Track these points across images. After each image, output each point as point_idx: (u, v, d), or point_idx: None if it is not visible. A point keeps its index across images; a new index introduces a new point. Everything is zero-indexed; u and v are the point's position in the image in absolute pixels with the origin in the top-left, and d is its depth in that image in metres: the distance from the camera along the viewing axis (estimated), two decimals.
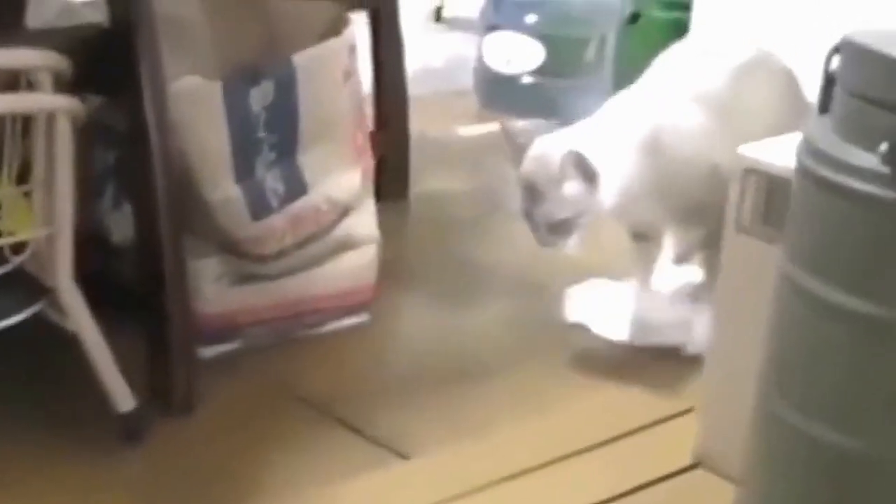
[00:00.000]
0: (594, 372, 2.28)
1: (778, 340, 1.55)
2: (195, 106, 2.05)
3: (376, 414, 2.10)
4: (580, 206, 2.11)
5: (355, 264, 2.34)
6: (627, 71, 3.97)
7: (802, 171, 1.46)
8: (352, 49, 2.25)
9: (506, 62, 3.84)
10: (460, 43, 4.33)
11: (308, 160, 2.22)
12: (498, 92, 3.90)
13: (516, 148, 2.18)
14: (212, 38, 2.28)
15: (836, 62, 1.47)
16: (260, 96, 2.12)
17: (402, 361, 2.33)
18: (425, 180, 3.10)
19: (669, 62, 2.30)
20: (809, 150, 1.46)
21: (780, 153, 1.83)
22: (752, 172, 1.84)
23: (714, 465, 1.95)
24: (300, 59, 2.14)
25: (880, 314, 1.37)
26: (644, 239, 2.30)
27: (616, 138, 2.18)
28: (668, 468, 1.97)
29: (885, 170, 1.33)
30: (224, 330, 2.20)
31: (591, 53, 3.85)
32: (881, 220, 1.35)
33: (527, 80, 3.84)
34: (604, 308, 2.28)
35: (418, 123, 3.06)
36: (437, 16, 4.68)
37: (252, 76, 2.11)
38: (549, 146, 2.15)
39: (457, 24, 4.62)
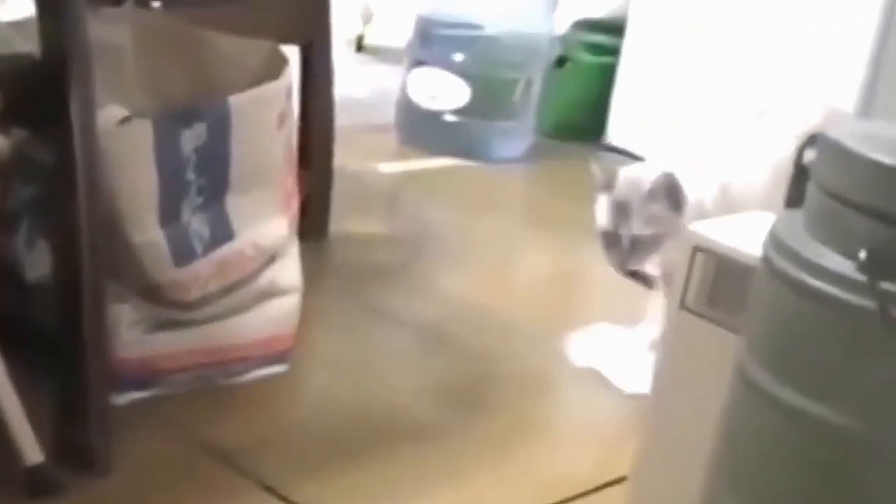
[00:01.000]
0: (518, 434, 2.22)
1: (729, 433, 1.51)
2: (124, 144, 1.96)
3: (294, 473, 2.01)
4: (665, 226, 2.26)
5: (278, 313, 2.26)
6: (552, 115, 3.97)
7: (769, 266, 1.42)
8: (288, 92, 2.17)
9: (430, 99, 3.78)
10: (382, 74, 4.27)
11: (236, 205, 2.14)
12: (420, 128, 3.86)
13: (608, 172, 2.33)
14: (141, 69, 2.20)
15: (808, 156, 1.42)
16: (192, 137, 2.03)
17: (321, 418, 2.23)
18: (345, 220, 3.03)
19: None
20: (777, 245, 1.41)
21: (732, 233, 1.79)
22: (702, 251, 1.79)
23: None
24: (236, 101, 2.06)
25: (844, 423, 1.33)
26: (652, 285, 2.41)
27: (702, 174, 2.31)
28: None
29: (862, 278, 1.28)
30: (140, 377, 2.11)
31: (517, 95, 3.81)
32: (854, 328, 1.30)
33: (450, 118, 3.79)
34: (617, 355, 2.41)
35: (337, 157, 2.99)
36: (359, 45, 4.61)
37: (185, 116, 2.02)
38: (643, 168, 2.35)
39: (378, 54, 4.56)
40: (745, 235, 1.79)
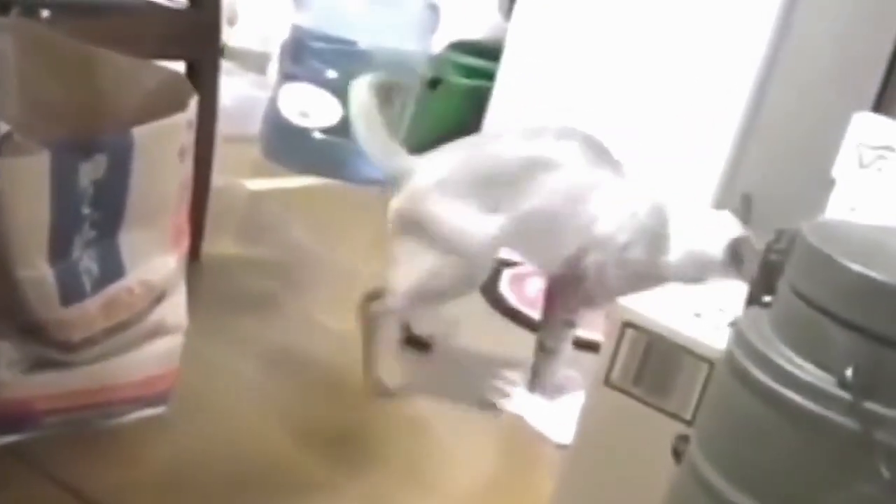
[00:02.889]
0: (409, 485, 2.15)
1: None
2: (18, 175, 1.82)
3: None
4: None
5: (162, 352, 2.14)
6: (423, 137, 3.89)
7: (733, 366, 1.36)
8: (190, 124, 2.05)
9: (301, 115, 3.68)
10: (246, 82, 4.15)
11: (128, 241, 2.01)
12: (286, 144, 3.75)
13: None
14: (25, 86, 2.07)
15: (776, 254, 1.37)
16: (91, 170, 1.90)
17: (196, 464, 2.13)
18: (215, 241, 2.92)
19: None
20: (743, 344, 1.35)
21: (663, 309, 1.75)
22: (631, 327, 1.74)
23: None
24: (140, 132, 1.93)
25: None
26: None
27: None
28: None
29: (844, 395, 1.23)
30: (15, 419, 1.97)
31: (390, 116, 3.71)
32: (831, 447, 1.25)
33: (320, 136, 3.69)
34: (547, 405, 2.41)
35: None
36: (222, 50, 4.46)
37: (84, 147, 1.88)
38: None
39: (242, 59, 4.42)
40: (677, 312, 1.75)
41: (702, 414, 1.45)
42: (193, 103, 2.04)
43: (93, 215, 1.95)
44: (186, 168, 2.07)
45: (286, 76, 3.76)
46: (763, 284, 1.39)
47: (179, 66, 2.60)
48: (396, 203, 2.34)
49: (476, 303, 3.04)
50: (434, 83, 3.94)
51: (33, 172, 1.85)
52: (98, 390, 2.06)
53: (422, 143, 3.89)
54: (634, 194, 2.35)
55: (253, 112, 3.89)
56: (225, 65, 4.33)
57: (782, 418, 1.29)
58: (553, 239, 2.35)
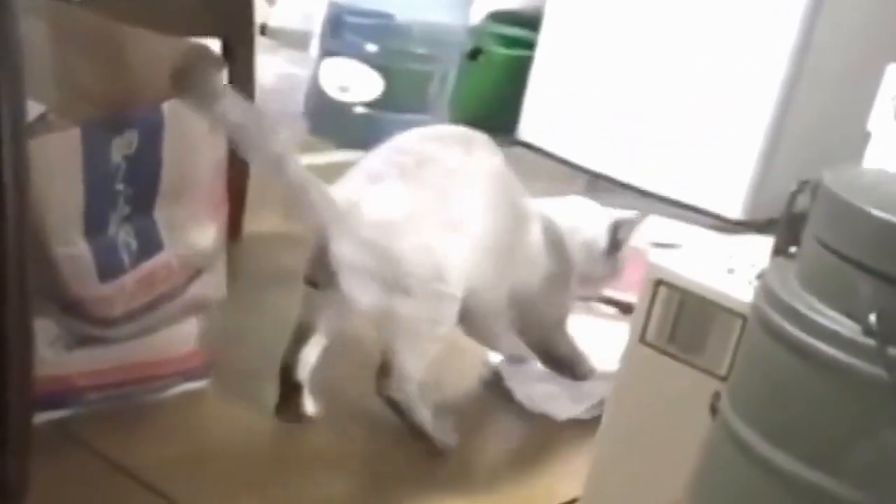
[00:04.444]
0: (456, 462, 2.14)
1: (709, 487, 1.44)
2: (51, 153, 1.83)
3: (212, 496, 1.94)
4: None
5: (202, 326, 2.15)
6: (464, 109, 3.90)
7: (761, 319, 1.35)
8: None
9: (341, 90, 3.68)
10: (288, 60, 4.15)
11: (165, 215, 2.03)
12: (330, 119, 3.76)
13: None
14: (58, 66, 2.08)
15: (803, 201, 1.36)
16: (122, 145, 1.92)
17: (240, 438, 2.13)
18: (257, 218, 2.92)
19: None
20: (770, 297, 1.34)
21: (695, 266, 1.73)
22: (663, 284, 1.73)
23: None
24: (170, 107, 1.94)
25: (843, 494, 1.26)
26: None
27: None
28: None
29: (869, 341, 1.21)
30: (58, 396, 1.99)
31: (431, 88, 3.72)
32: (859, 395, 1.24)
33: (361, 110, 3.69)
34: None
35: None
36: (262, 30, 4.48)
37: (116, 123, 1.90)
38: None
39: (283, 38, 4.42)
40: (710, 268, 1.73)
41: (732, 368, 1.44)
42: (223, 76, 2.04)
43: (127, 191, 1.96)
44: (219, 143, 2.08)
45: (326, 52, 3.77)
46: (787, 235, 1.38)
47: (214, 45, 2.61)
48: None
49: None
50: (474, 54, 3.93)
51: (65, 149, 1.87)
52: (138, 365, 2.08)
53: (464, 115, 3.90)
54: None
55: (295, 89, 3.89)
56: (266, 43, 4.36)
57: (809, 368, 1.28)
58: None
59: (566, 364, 2.35)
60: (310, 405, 2.13)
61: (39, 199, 1.84)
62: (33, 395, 1.82)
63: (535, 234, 2.20)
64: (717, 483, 1.41)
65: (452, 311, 2.04)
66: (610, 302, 2.80)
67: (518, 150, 3.95)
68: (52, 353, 1.97)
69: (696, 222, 3.51)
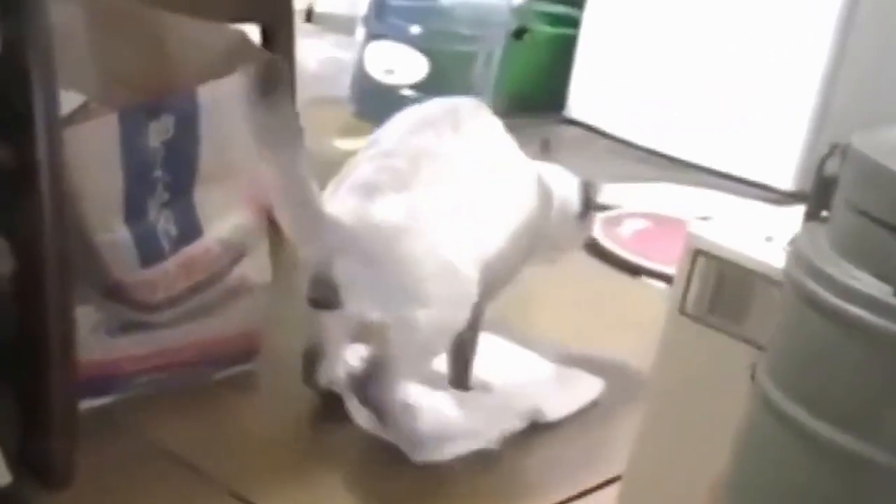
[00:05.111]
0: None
1: (748, 458, 1.43)
2: (89, 139, 1.85)
3: (261, 479, 1.94)
4: None
5: (246, 310, 2.16)
6: (510, 88, 3.88)
7: (794, 285, 1.33)
8: None
9: (387, 73, 3.68)
10: (334, 45, 4.16)
11: (204, 200, 2.03)
12: (376, 102, 3.75)
13: None
14: (96, 54, 2.09)
15: (833, 165, 1.34)
16: (159, 131, 1.93)
17: (286, 421, 2.14)
18: None
19: None
20: (802, 263, 1.32)
21: (733, 235, 1.72)
22: (702, 254, 1.71)
23: None
24: (206, 92, 1.95)
25: (880, 459, 1.25)
26: None
27: None
28: None
29: None
30: (102, 382, 2.00)
31: (476, 69, 3.71)
32: (891, 356, 1.22)
33: (407, 93, 3.69)
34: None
35: None
36: (308, 16, 4.49)
37: (152, 109, 1.91)
38: None
39: (329, 23, 4.43)
40: (748, 237, 1.72)
41: (771, 339, 1.42)
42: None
43: (166, 176, 1.97)
44: None
45: (370, 35, 3.77)
46: (819, 200, 1.36)
47: (254, 31, 2.61)
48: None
49: None
50: (519, 33, 3.91)
51: (103, 136, 1.88)
52: (183, 350, 2.09)
53: (511, 95, 3.89)
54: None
55: (341, 73, 3.90)
56: (311, 28, 4.37)
57: (842, 333, 1.26)
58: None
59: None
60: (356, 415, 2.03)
61: (78, 186, 1.86)
62: (77, 382, 1.84)
63: (533, 194, 2.13)
64: (755, 453, 1.40)
65: (467, 311, 1.96)
66: (654, 275, 2.79)
67: (567, 128, 3.93)
68: (97, 340, 1.98)
69: (748, 195, 3.49)
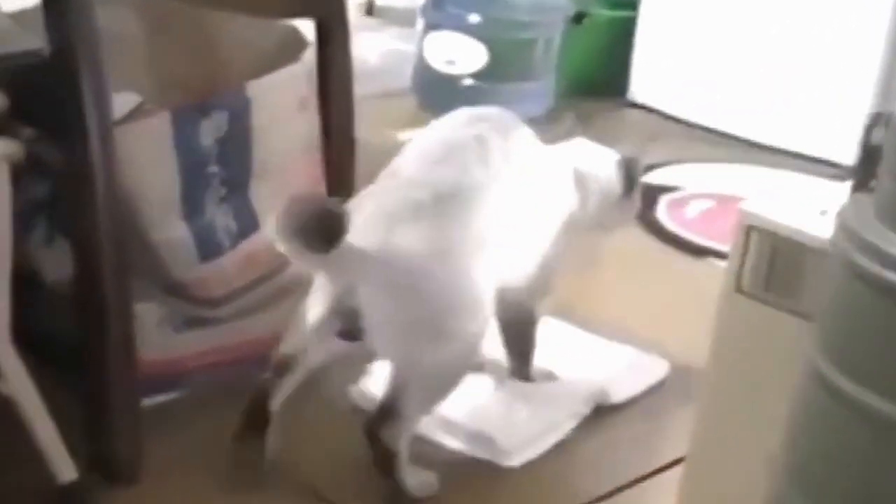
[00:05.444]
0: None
1: (800, 434, 1.41)
2: (142, 139, 1.87)
3: (330, 475, 1.96)
4: None
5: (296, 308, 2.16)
6: (573, 73, 3.87)
7: (840, 257, 1.32)
8: (309, 75, 2.08)
9: (447, 63, 3.68)
10: (395, 38, 4.16)
11: (261, 194, 2.06)
12: (438, 93, 3.75)
13: None
14: (151, 56, 2.11)
15: (878, 135, 1.32)
16: (212, 128, 1.95)
17: (347, 416, 2.11)
18: None
19: None
20: (849, 234, 1.31)
21: (786, 210, 1.70)
22: (756, 230, 1.70)
23: None
24: (254, 87, 1.97)
25: None
26: None
27: None
28: None
29: None
30: (166, 378, 2.03)
31: (536, 56, 3.70)
32: None
33: (468, 82, 3.68)
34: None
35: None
36: (369, 9, 4.50)
37: (203, 106, 1.93)
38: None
39: (389, 16, 4.44)
40: (801, 211, 1.70)
41: (819, 312, 1.41)
42: (308, 54, 2.06)
43: (222, 172, 2.00)
44: (310, 119, 2.10)
45: (429, 26, 3.77)
46: (865, 170, 1.34)
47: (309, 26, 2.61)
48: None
49: (632, 231, 3.01)
50: (578, 18, 3.89)
51: (155, 135, 1.91)
52: (244, 345, 2.10)
53: (573, 79, 3.88)
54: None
55: (402, 65, 3.90)
56: (372, 22, 4.38)
57: (887, 302, 1.25)
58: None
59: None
60: (273, 444, 1.91)
61: (134, 185, 1.88)
62: (139, 379, 1.86)
63: (568, 196, 2.07)
64: (805, 424, 1.39)
65: (481, 344, 1.91)
66: (719, 255, 2.76)
67: (631, 112, 3.91)
68: (161, 335, 2.00)
69: (813, 172, 3.44)
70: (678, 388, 2.24)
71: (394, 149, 3.22)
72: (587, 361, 2.29)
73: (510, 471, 1.99)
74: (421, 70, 3.79)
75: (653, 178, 3.33)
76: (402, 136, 3.48)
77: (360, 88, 2.96)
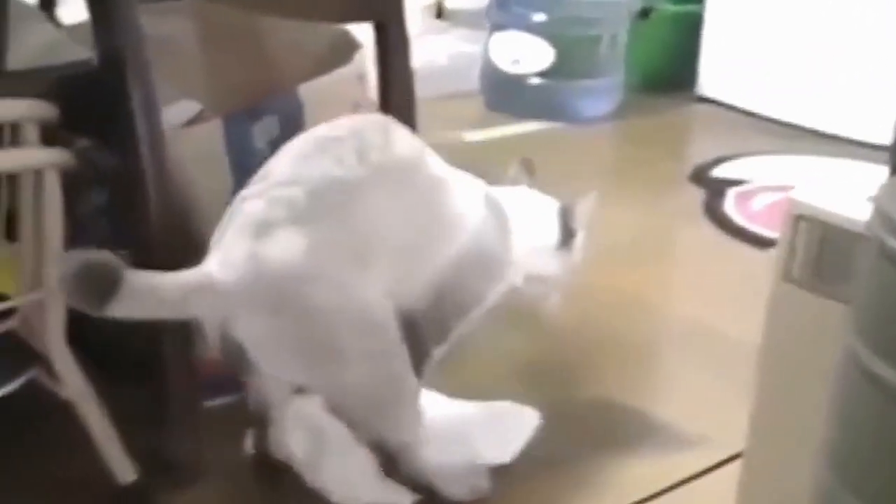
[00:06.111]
0: (622, 413, 2.15)
1: (838, 420, 1.40)
2: (195, 145, 1.90)
3: None
4: None
5: None
6: (640, 68, 3.86)
7: (875, 241, 1.31)
8: (361, 78, 2.09)
9: (513, 62, 3.69)
10: (464, 39, 4.18)
11: None
12: (505, 94, 3.78)
13: None
14: (205, 63, 2.14)
15: None
16: (264, 131, 1.97)
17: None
18: None
19: None
20: (883, 219, 1.30)
21: (836, 198, 1.69)
22: (805, 219, 1.69)
23: None
24: (306, 90, 1.99)
25: None
26: None
27: None
28: None
29: None
30: (227, 380, 2.04)
31: (602, 52, 3.70)
32: None
33: (535, 81, 3.69)
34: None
35: (421, 128, 2.89)
36: (439, 11, 4.52)
37: (254, 111, 1.95)
38: None
39: (459, 18, 4.46)
40: (850, 198, 1.69)
41: (855, 299, 1.40)
42: (359, 57, 2.08)
43: None
44: None
45: (495, 26, 3.79)
46: None
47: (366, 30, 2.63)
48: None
49: (701, 225, 3.00)
50: (644, 13, 3.89)
51: (207, 139, 1.94)
52: None
53: (641, 75, 3.87)
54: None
55: (471, 67, 3.92)
56: (441, 25, 4.40)
57: None
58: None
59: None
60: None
61: (188, 190, 1.91)
62: (198, 380, 1.88)
63: (475, 215, 1.85)
64: (844, 411, 1.38)
65: (399, 359, 1.72)
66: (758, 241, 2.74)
67: (700, 106, 3.90)
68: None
69: (885, 162, 3.40)
70: (737, 383, 2.23)
71: (462, 149, 3.26)
72: (459, 427, 2.05)
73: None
74: (488, 71, 3.81)
75: (721, 171, 3.32)
76: (468, 136, 3.51)
77: (428, 90, 2.99)
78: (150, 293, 1.56)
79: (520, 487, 1.94)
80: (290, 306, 1.58)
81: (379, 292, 1.66)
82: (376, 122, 1.78)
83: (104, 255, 1.54)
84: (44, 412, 1.80)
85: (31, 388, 1.74)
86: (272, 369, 1.66)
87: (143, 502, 1.79)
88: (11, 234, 1.69)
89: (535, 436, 2.03)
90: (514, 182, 2.00)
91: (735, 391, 2.20)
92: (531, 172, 2.04)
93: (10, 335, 1.71)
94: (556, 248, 1.95)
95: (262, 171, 1.69)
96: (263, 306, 1.58)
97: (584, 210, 1.97)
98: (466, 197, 1.83)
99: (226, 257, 1.59)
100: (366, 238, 1.64)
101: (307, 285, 1.58)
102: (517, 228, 1.89)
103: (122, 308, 1.52)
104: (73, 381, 1.71)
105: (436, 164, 1.80)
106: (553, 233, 1.95)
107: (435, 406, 2.00)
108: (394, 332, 1.68)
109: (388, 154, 1.71)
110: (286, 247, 1.57)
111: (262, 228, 1.59)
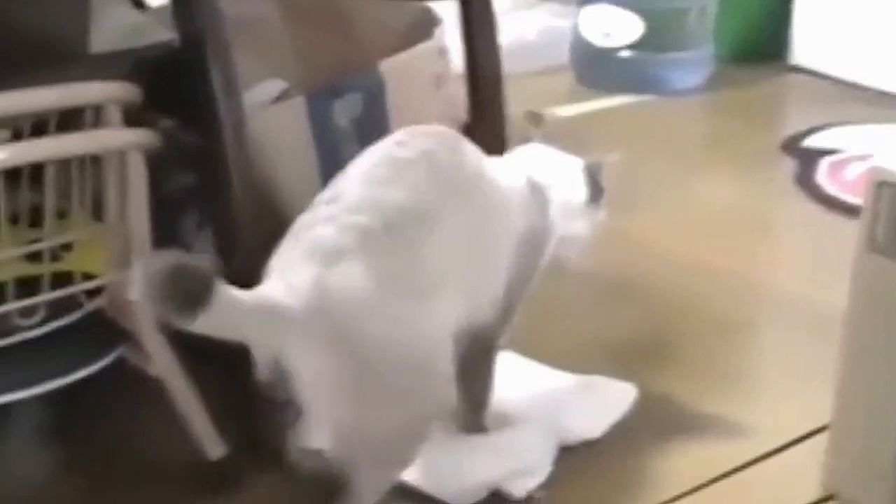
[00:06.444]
0: (713, 385, 2.13)
1: None
2: (279, 123, 1.92)
3: None
4: None
5: None
6: (730, 39, 3.82)
7: None
8: (442, 52, 2.10)
9: (603, 36, 3.68)
10: (554, 15, 4.17)
11: None
12: (595, 67, 3.77)
13: None
14: (290, 41, 2.16)
15: None
16: (346, 109, 1.98)
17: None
18: None
19: None
20: None
21: None
22: (888, 186, 1.67)
23: (849, 496, 1.80)
24: (387, 67, 2.00)
25: None
26: None
27: None
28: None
29: None
30: None
31: (691, 23, 3.67)
32: None
33: (625, 54, 3.68)
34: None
35: (511, 105, 2.89)
36: None
37: (336, 88, 1.97)
38: None
39: None
40: None
41: None
42: (439, 31, 2.08)
43: (360, 152, 2.02)
44: (445, 95, 2.12)
45: (584, 0, 3.77)
46: None
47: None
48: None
49: (793, 196, 2.98)
50: None
51: (291, 118, 1.96)
52: None
53: (730, 46, 3.83)
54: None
55: (560, 42, 3.91)
56: (529, 0, 4.39)
57: None
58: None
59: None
60: None
61: (273, 169, 1.93)
62: None
63: (524, 213, 1.84)
64: None
65: (440, 402, 1.67)
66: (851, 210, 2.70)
67: (792, 76, 3.86)
68: None
69: None
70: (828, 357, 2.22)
71: (552, 125, 3.24)
72: (547, 398, 2.03)
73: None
74: (578, 45, 3.80)
75: (813, 141, 3.28)
76: (559, 111, 3.50)
77: (518, 66, 2.98)
78: (235, 310, 1.47)
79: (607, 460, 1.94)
80: (347, 340, 1.52)
81: (446, 320, 1.62)
82: (446, 140, 1.73)
83: (198, 260, 1.46)
84: (133, 389, 1.83)
85: (120, 366, 1.77)
86: (316, 407, 1.59)
87: (231, 478, 1.80)
88: (99, 214, 1.71)
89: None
90: (524, 140, 1.98)
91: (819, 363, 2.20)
92: (538, 124, 2.02)
93: (98, 313, 1.74)
94: (585, 206, 1.93)
95: (331, 192, 1.65)
96: (321, 337, 1.52)
97: (609, 167, 1.95)
98: (513, 188, 1.82)
99: (292, 282, 1.53)
100: (435, 270, 1.60)
101: (365, 319, 1.53)
102: (555, 197, 1.88)
103: (207, 324, 1.43)
104: (161, 358, 1.74)
105: (488, 166, 1.79)
106: (581, 191, 1.93)
107: (527, 373, 2.07)
108: (442, 365, 1.63)
109: (459, 175, 1.70)
110: (353, 277, 1.52)
111: (332, 256, 1.53)
